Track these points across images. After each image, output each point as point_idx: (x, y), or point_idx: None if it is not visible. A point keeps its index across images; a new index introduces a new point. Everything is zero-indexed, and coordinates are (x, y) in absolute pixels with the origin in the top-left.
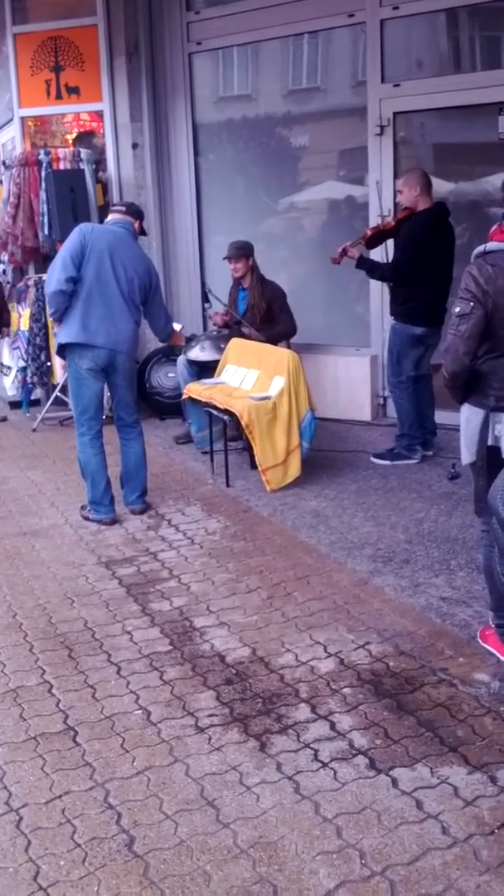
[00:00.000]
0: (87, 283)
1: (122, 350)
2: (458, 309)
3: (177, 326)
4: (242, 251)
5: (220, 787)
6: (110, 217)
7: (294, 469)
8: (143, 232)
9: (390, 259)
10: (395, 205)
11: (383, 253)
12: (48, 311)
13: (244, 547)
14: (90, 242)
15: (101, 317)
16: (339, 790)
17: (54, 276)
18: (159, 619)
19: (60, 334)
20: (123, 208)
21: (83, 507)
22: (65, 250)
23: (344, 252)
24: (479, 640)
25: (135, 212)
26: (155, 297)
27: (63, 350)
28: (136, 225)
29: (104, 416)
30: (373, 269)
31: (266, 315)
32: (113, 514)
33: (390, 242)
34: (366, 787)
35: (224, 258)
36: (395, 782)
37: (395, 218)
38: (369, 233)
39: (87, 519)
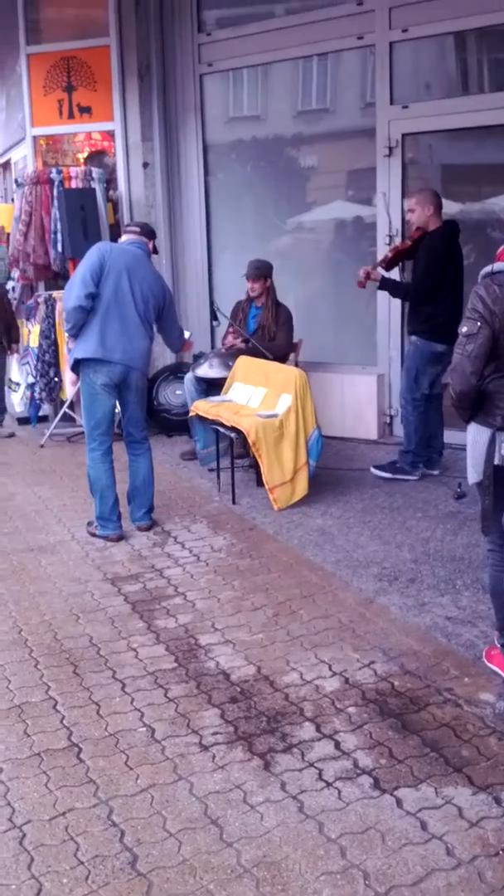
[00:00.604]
0: (105, 300)
1: (137, 367)
2: (465, 328)
3: (186, 334)
4: (261, 272)
5: (224, 805)
6: (125, 237)
7: (301, 487)
8: (155, 251)
9: (404, 278)
10: (403, 224)
11: (397, 273)
12: (65, 326)
13: (250, 564)
14: (109, 261)
15: (117, 333)
16: (343, 810)
17: (73, 293)
18: (164, 637)
19: (77, 349)
20: (138, 229)
21: (90, 523)
22: (84, 268)
23: (367, 275)
24: (485, 661)
25: (149, 232)
26: (169, 314)
27: (77, 365)
28: (150, 245)
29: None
30: (395, 289)
31: (273, 337)
32: (120, 531)
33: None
34: (370, 806)
35: (243, 276)
36: (399, 802)
37: (410, 237)
38: (390, 255)
39: (93, 535)
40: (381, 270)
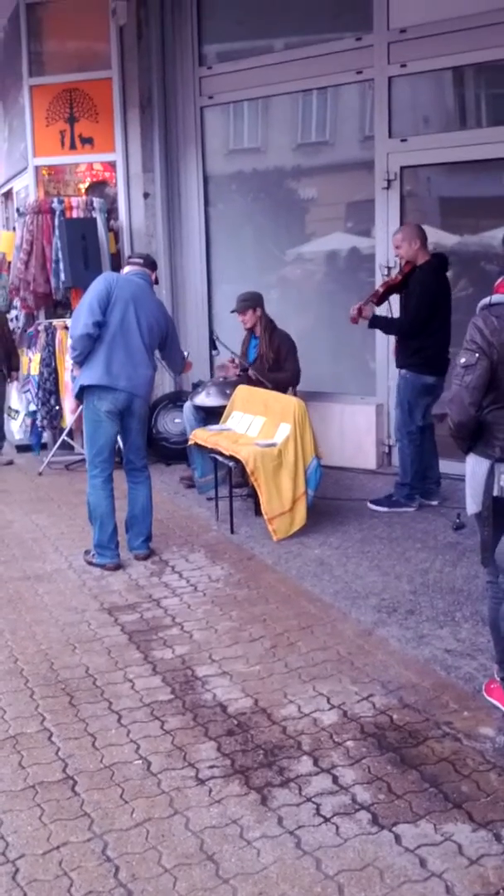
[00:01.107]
0: (112, 329)
1: (140, 394)
2: (463, 360)
3: (185, 353)
4: (248, 303)
5: (221, 840)
6: (129, 268)
7: (300, 517)
8: (156, 282)
9: (395, 314)
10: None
11: (387, 308)
12: (71, 353)
13: (248, 595)
14: (115, 290)
15: (122, 362)
16: (341, 846)
17: (81, 321)
18: (161, 668)
19: (82, 377)
20: (141, 260)
21: (87, 552)
22: (91, 296)
23: (360, 312)
24: (485, 694)
25: (150, 263)
26: (173, 342)
27: (82, 392)
28: (153, 276)
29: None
30: (388, 326)
31: (275, 363)
32: (117, 560)
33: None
34: (368, 843)
35: (232, 311)
36: (398, 839)
37: (400, 272)
38: (381, 290)
39: (90, 563)
40: (372, 307)
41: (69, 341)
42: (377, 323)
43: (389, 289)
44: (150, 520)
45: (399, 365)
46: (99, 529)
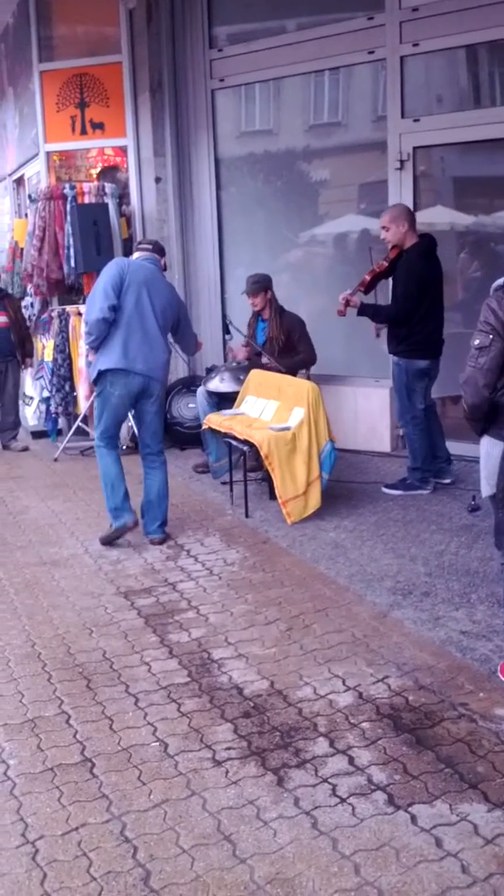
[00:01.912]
0: (127, 312)
1: (157, 377)
2: (477, 341)
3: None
4: (259, 285)
5: (237, 821)
6: (139, 254)
7: (314, 500)
8: (165, 268)
9: (382, 300)
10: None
11: (373, 296)
12: (86, 339)
13: (263, 578)
14: (128, 274)
15: (139, 344)
16: (358, 826)
17: (96, 305)
18: (178, 651)
19: (99, 361)
20: (150, 246)
21: (102, 536)
22: (104, 281)
23: (347, 303)
24: (500, 675)
25: (160, 249)
26: (185, 324)
27: (98, 377)
28: (162, 262)
29: (125, 447)
30: (377, 314)
31: (285, 346)
32: (134, 517)
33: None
34: (384, 823)
35: (242, 293)
36: (414, 819)
37: (386, 258)
38: (368, 278)
39: (109, 543)
40: (360, 296)
41: (83, 327)
42: (366, 311)
43: (377, 276)
44: (165, 505)
45: (391, 351)
46: (111, 492)
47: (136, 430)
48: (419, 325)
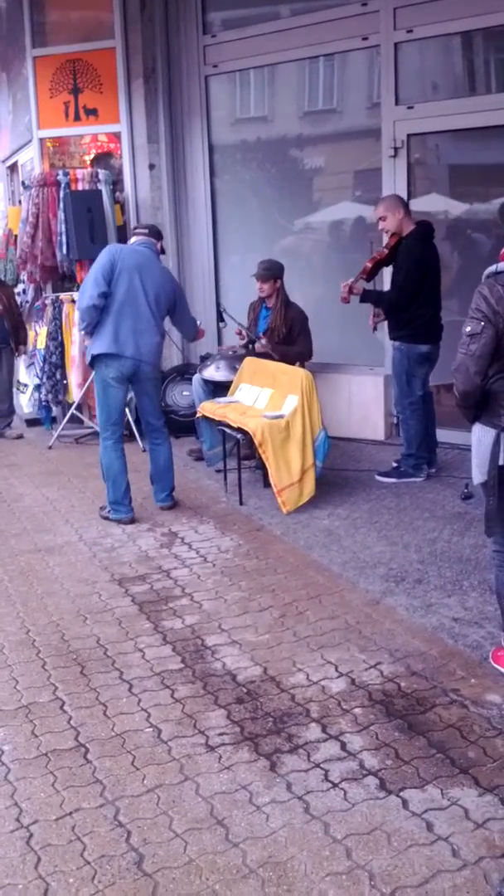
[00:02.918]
0: (118, 299)
1: (147, 360)
2: (468, 328)
3: (197, 322)
4: (271, 273)
5: (230, 806)
6: (134, 239)
7: (309, 488)
8: (162, 251)
9: (385, 287)
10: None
11: (373, 284)
12: (79, 325)
13: (257, 565)
14: (119, 261)
15: (129, 330)
16: (349, 811)
17: (87, 293)
18: (171, 637)
19: (93, 346)
20: (146, 230)
21: (102, 508)
22: (96, 269)
23: (350, 290)
24: (491, 661)
25: (156, 233)
26: (181, 307)
27: (93, 361)
28: (158, 245)
29: (124, 433)
30: (379, 300)
31: (286, 338)
32: (132, 514)
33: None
34: (376, 807)
35: (252, 276)
36: (405, 803)
37: (386, 245)
38: (369, 265)
39: (106, 518)
40: (362, 283)
41: (76, 314)
42: (368, 297)
43: (377, 263)
44: (171, 475)
45: (392, 337)
46: (113, 487)
47: (136, 414)
48: (421, 310)
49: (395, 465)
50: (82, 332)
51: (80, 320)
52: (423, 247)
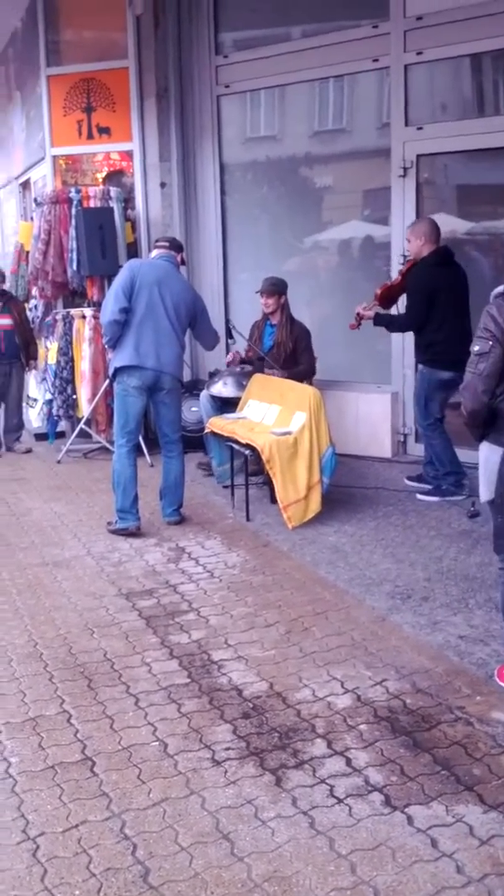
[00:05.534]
0: (139, 313)
1: (168, 371)
2: (476, 347)
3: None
4: (276, 288)
5: (236, 820)
6: (155, 252)
7: (315, 505)
8: (183, 262)
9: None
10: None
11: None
12: (104, 339)
13: (263, 581)
14: (139, 277)
15: (150, 342)
16: (354, 826)
17: (108, 308)
18: (178, 652)
19: (115, 359)
20: (167, 243)
21: (110, 522)
22: (116, 285)
23: (360, 316)
24: (497, 679)
25: (177, 246)
26: (203, 319)
27: (115, 373)
28: (178, 258)
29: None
30: (391, 323)
31: (292, 352)
32: (138, 522)
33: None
34: (381, 823)
35: (257, 292)
36: (410, 820)
37: (400, 272)
38: (379, 292)
39: (114, 532)
40: (375, 309)
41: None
42: (381, 321)
43: (391, 290)
44: (181, 491)
45: (417, 360)
46: (122, 495)
47: (146, 430)
48: (433, 334)
49: (433, 483)
50: (106, 346)
51: (103, 334)
52: (431, 272)
